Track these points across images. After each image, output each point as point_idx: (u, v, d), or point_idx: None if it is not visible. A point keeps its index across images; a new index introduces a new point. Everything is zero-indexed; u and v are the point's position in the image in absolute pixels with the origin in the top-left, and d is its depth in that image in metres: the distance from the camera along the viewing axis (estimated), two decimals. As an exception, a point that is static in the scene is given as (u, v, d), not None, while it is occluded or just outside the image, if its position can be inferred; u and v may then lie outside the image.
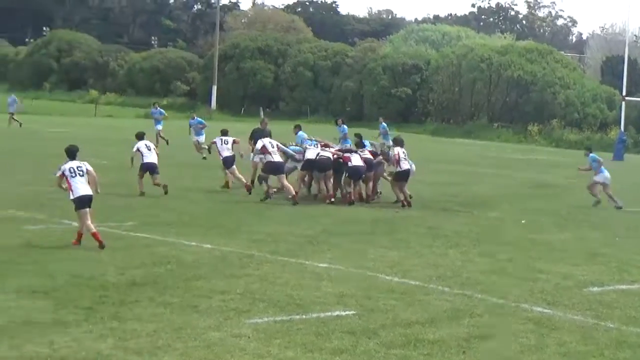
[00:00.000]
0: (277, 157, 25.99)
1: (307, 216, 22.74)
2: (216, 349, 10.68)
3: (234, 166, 27.32)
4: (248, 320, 12.02)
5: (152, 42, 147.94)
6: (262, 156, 26.14)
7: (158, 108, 47.02)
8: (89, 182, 17.23)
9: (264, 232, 19.59)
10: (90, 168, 17.41)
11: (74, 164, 17.26)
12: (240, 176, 27.26)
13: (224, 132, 28.26)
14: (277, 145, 26.31)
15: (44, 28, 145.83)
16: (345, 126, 40.62)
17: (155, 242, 17.61)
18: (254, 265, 15.75)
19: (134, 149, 26.16)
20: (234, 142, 27.89)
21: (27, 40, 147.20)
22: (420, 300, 13.70)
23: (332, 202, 25.42)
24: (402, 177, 26.08)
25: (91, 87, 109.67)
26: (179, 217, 21.36)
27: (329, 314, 12.59)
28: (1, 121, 53.93)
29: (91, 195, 17.17)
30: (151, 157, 25.84)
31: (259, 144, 26.17)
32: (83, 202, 17.02)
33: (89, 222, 16.96)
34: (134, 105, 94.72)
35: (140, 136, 26.62)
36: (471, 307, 13.33)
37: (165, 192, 25.25)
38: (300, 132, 29.76)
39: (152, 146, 26.68)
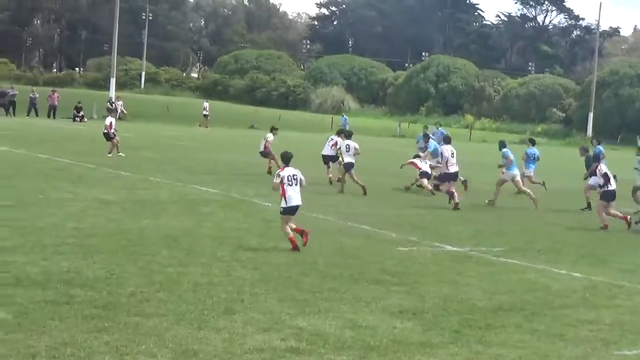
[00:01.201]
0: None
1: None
2: (582, 380, 10.50)
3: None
4: (616, 351, 11.72)
5: (529, 67, 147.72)
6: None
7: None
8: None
9: (636, 263, 19.04)
10: (302, 177, 18.31)
11: (290, 171, 18.24)
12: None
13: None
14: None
15: (423, 53, 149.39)
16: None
17: (524, 269, 17.53)
18: (624, 296, 15.34)
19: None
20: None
21: (406, 65, 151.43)
22: None
23: None
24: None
25: (466, 112, 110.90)
26: (550, 244, 21.15)
27: None
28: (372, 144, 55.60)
29: (299, 205, 18.24)
30: (453, 167, 27.48)
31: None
32: (293, 211, 18.21)
33: (291, 222, 18.14)
34: (508, 131, 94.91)
35: (447, 140, 28.34)
36: None
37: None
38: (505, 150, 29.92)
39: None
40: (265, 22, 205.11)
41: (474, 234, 21.90)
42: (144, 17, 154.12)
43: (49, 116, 67.49)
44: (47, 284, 13.39)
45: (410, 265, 17.14)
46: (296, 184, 18.15)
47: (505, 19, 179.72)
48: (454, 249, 19.50)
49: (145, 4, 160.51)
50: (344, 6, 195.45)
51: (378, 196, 28.38)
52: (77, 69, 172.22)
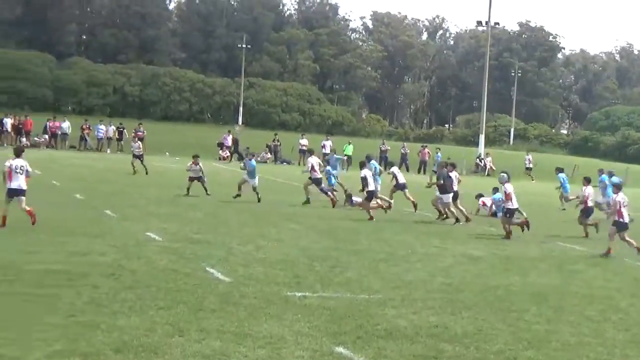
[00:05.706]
0: None
1: None
2: None
3: None
4: None
5: None
6: None
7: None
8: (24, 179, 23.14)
9: None
10: (29, 169, 23.37)
11: (19, 162, 23.04)
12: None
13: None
14: None
15: None
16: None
17: None
18: None
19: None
20: None
21: None
22: None
23: None
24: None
25: None
26: None
27: None
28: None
29: (23, 190, 22.95)
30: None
31: None
32: (12, 194, 22.84)
33: (24, 205, 22.92)
34: None
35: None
36: None
37: None
38: None
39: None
40: (638, 77, 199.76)
41: None
42: (513, 74, 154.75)
43: (419, 171, 69.09)
44: (415, 337, 13.63)
45: None
46: (22, 173, 22.85)
47: None
48: None
49: (515, 61, 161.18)
50: None
51: None
52: (446, 125, 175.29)
